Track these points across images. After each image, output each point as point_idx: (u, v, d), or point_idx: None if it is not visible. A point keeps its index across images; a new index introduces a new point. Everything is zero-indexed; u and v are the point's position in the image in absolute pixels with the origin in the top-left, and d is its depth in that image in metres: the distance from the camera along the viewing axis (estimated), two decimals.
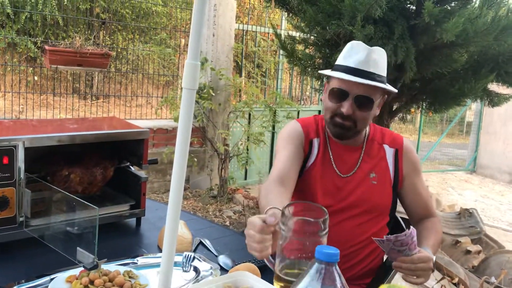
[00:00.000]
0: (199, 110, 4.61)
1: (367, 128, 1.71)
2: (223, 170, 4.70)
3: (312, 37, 3.74)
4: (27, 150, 1.36)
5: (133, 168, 1.66)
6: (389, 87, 1.58)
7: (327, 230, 1.18)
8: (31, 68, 7.10)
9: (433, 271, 1.51)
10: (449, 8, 3.25)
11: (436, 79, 3.53)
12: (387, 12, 3.07)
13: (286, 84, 6.71)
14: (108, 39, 8.07)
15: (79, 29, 7.94)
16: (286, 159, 1.63)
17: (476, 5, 3.24)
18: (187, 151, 1.08)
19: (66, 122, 1.70)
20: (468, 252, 3.28)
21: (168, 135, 4.91)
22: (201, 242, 1.57)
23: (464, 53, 3.33)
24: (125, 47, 7.44)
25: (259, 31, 5.83)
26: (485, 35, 3.03)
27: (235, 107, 4.95)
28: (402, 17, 3.14)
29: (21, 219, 1.39)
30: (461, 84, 3.39)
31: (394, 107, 3.79)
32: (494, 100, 3.75)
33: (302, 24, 3.64)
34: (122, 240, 1.57)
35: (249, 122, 5.26)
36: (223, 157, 4.66)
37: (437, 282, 2.59)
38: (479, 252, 3.33)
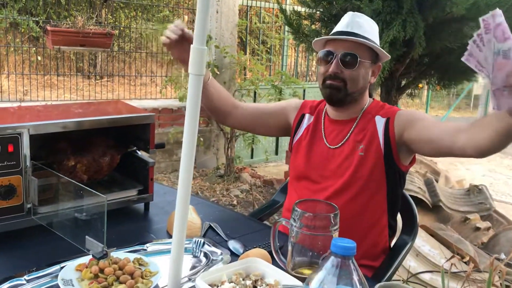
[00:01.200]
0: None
1: (366, 103, 1.71)
2: (229, 149, 4.68)
3: (318, 12, 3.66)
4: (32, 137, 1.34)
5: (140, 153, 1.64)
6: (369, 43, 1.60)
7: (338, 225, 1.17)
8: (34, 48, 7.04)
9: None
10: None
11: (446, 54, 3.45)
12: None
13: (291, 59, 6.62)
14: (111, 17, 7.98)
15: (81, 7, 7.84)
16: (256, 106, 1.99)
17: None
18: (195, 138, 1.05)
19: (71, 107, 1.67)
20: (478, 229, 3.27)
21: (173, 115, 4.88)
22: (210, 227, 1.55)
23: (475, 27, 3.24)
24: (128, 25, 7.35)
25: (264, 6, 5.73)
26: (496, 8, 2.94)
27: (240, 86, 4.90)
28: None
29: (28, 206, 1.38)
30: None
31: (403, 83, 3.73)
32: None
33: (308, 0, 3.56)
34: (131, 225, 1.56)
35: (254, 101, 5.21)
36: (229, 136, 4.64)
37: (447, 261, 2.58)
38: (488, 229, 3.31)
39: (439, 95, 11.15)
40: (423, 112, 1.72)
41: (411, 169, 3.68)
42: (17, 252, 1.33)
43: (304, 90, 5.56)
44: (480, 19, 1.04)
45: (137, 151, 1.65)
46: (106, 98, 5.59)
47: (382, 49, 1.64)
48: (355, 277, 0.77)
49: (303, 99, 4.86)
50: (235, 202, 4.23)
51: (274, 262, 1.25)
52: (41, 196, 1.40)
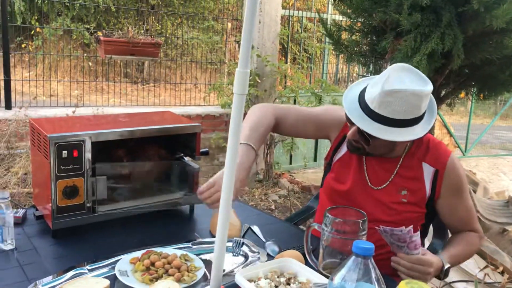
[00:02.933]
0: (245, 97, 4.71)
1: (410, 142, 1.62)
2: (268, 155, 4.81)
3: (358, 24, 3.74)
4: (93, 144, 1.51)
5: (186, 159, 1.79)
6: (385, 138, 1.47)
7: (366, 231, 1.28)
8: (86, 55, 7.43)
9: (441, 277, 1.50)
10: None
11: (486, 65, 3.46)
12: None
13: (332, 65, 6.70)
14: (157, 24, 8.29)
15: (129, 15, 8.20)
16: (298, 119, 1.77)
17: None
18: (237, 151, 1.18)
19: (125, 117, 1.84)
20: None
21: (215, 121, 5.06)
22: (249, 228, 1.68)
23: None
24: (174, 33, 7.63)
25: (305, 16, 5.84)
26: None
27: (280, 93, 5.03)
28: (450, 4, 3.10)
29: (88, 204, 1.55)
30: None
31: (442, 93, 3.76)
32: None
33: (349, 11, 3.65)
34: (178, 225, 1.71)
35: None
36: (268, 142, 4.77)
37: (480, 270, 2.61)
38: None
39: (485, 102, 10.88)
40: (465, 176, 1.67)
41: None
42: (78, 245, 1.51)
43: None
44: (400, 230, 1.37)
45: (184, 157, 1.81)
46: (151, 103, 5.85)
47: (409, 134, 1.48)
48: (374, 275, 0.88)
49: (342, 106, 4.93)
50: (273, 207, 4.35)
51: (307, 263, 1.36)
52: (100, 195, 1.57)
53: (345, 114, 1.53)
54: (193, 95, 6.15)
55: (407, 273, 1.39)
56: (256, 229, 1.68)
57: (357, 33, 3.75)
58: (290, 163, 5.74)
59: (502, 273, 2.73)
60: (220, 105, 4.58)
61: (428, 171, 1.61)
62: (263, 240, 1.59)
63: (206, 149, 1.83)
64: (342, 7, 3.84)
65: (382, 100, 1.44)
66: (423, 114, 1.50)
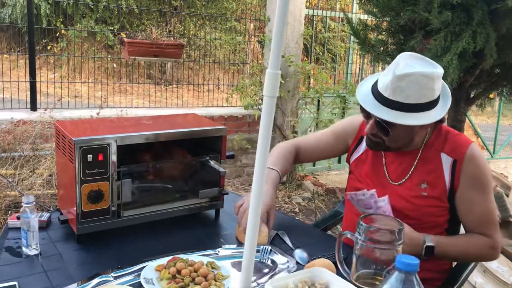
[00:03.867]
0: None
1: (428, 132, 1.61)
2: None
3: (385, 23, 3.66)
4: (118, 147, 1.48)
5: (212, 162, 1.75)
6: (401, 122, 1.45)
7: (402, 240, 1.21)
8: (110, 56, 7.48)
9: (421, 254, 1.45)
10: None
11: None
12: None
13: (356, 65, 6.60)
14: (180, 25, 8.31)
15: (152, 16, 8.24)
16: (317, 138, 1.90)
17: None
18: (267, 154, 1.13)
19: (150, 120, 1.81)
20: None
21: (238, 122, 5.02)
22: (277, 235, 1.63)
23: None
24: (196, 34, 7.63)
25: (328, 15, 5.76)
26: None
27: (304, 94, 4.96)
28: (482, 1, 2.99)
29: (113, 209, 1.52)
30: None
31: (472, 94, 3.64)
32: None
33: (375, 10, 3.56)
34: (203, 230, 1.67)
35: (317, 109, 5.25)
36: None
37: None
38: None
39: (508, 100, 10.58)
40: (486, 170, 1.58)
41: None
42: (103, 250, 1.48)
43: None
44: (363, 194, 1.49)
45: (210, 160, 1.76)
46: (174, 104, 5.84)
47: (426, 118, 1.47)
48: None
49: None
50: (297, 210, 4.29)
51: (338, 272, 1.31)
52: (125, 199, 1.54)
53: (360, 108, 1.54)
54: (215, 96, 6.14)
55: None
56: (284, 235, 1.63)
57: (384, 32, 3.66)
58: (314, 165, 5.67)
59: None
60: (243, 106, 4.54)
61: (446, 161, 1.56)
62: (292, 247, 1.54)
63: (232, 153, 1.79)
64: (368, 6, 3.76)
65: (395, 86, 1.44)
66: (438, 98, 1.49)
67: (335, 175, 5.72)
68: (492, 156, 7.50)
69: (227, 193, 1.73)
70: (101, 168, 1.47)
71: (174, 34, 6.89)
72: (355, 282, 1.26)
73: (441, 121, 1.59)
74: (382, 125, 1.50)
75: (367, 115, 1.53)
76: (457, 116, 3.61)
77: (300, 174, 5.09)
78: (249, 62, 6.50)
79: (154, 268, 1.32)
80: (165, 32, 5.54)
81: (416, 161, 1.60)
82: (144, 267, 1.33)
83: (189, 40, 7.29)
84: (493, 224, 1.58)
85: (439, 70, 1.46)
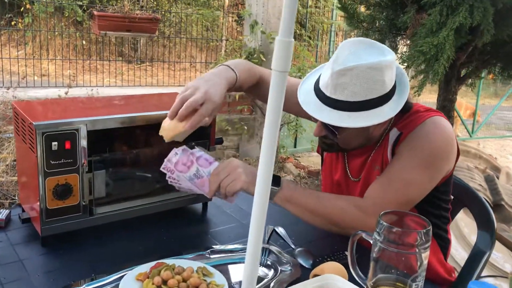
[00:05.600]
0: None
1: (386, 127, 1.40)
2: None
3: None
4: (88, 133, 1.25)
5: (198, 149, 1.53)
6: (345, 124, 1.26)
7: (429, 243, 1.03)
8: (78, 33, 7.08)
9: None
10: None
11: None
12: None
13: (338, 43, 6.41)
14: (152, 0, 7.94)
15: None
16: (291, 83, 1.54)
17: None
18: (275, 144, 0.93)
19: (124, 100, 1.58)
20: None
21: None
22: (274, 231, 1.44)
23: None
24: (170, 9, 7.28)
25: None
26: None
27: None
28: None
29: (84, 205, 1.29)
30: None
31: (463, 72, 3.50)
32: None
33: None
34: (189, 228, 1.46)
35: None
36: None
37: None
38: None
39: (485, 81, 10.58)
40: (426, 148, 1.31)
41: (471, 165, 3.47)
42: (73, 255, 1.26)
43: None
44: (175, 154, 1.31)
45: (195, 147, 1.54)
46: (148, 83, 5.56)
47: (377, 116, 1.26)
48: None
49: None
50: None
51: (350, 277, 1.13)
52: (98, 194, 1.32)
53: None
54: (188, 75, 5.87)
55: (216, 187, 1.26)
56: (282, 231, 1.44)
57: (374, 7, 3.46)
58: (295, 147, 5.50)
59: None
60: None
61: (392, 135, 1.38)
62: (292, 246, 1.35)
63: (221, 137, 1.57)
64: None
65: (336, 83, 1.23)
66: (392, 89, 1.27)
67: (316, 156, 5.57)
68: (470, 136, 7.50)
69: None
70: (69, 158, 1.23)
71: (147, 9, 6.54)
72: None
73: (406, 109, 1.33)
74: (329, 128, 1.31)
75: (312, 117, 1.33)
76: (447, 96, 3.47)
77: (282, 156, 4.91)
78: (224, 37, 6.23)
79: (135, 278, 1.11)
80: (137, 7, 5.21)
81: (374, 150, 1.42)
82: (123, 275, 1.12)
83: (163, 16, 6.95)
84: (387, 193, 1.30)
85: (388, 57, 1.24)
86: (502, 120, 9.74)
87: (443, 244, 1.54)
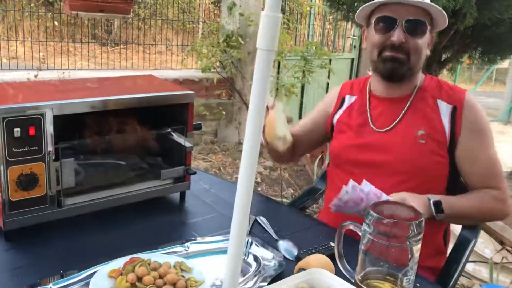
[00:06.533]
0: (227, 60, 4.34)
1: (420, 77, 1.50)
2: None
3: None
4: (56, 118, 1.15)
5: (175, 135, 1.44)
6: (437, 7, 1.39)
7: (420, 236, 0.97)
8: (50, 14, 6.83)
9: (433, 213, 1.33)
10: None
11: (494, 25, 3.17)
12: None
13: (317, 28, 6.32)
14: None
15: None
16: (302, 123, 1.71)
17: None
18: (261, 127, 0.85)
19: (98, 82, 1.47)
20: None
21: (195, 86, 4.66)
22: (256, 221, 1.37)
23: None
24: None
25: None
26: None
27: None
28: None
29: (51, 195, 1.20)
30: None
31: (444, 56, 3.47)
32: None
33: None
34: (166, 219, 1.37)
35: (278, 72, 4.96)
36: None
37: (497, 253, 2.39)
38: None
39: (461, 68, 10.68)
40: (486, 119, 1.48)
41: None
42: (40, 250, 1.16)
43: (330, 61, 5.29)
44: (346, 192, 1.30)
45: (172, 133, 1.46)
46: (123, 66, 5.39)
47: (445, 14, 1.40)
48: None
49: (329, 70, 4.57)
50: (259, 180, 4.05)
51: (337, 270, 1.07)
52: (66, 184, 1.22)
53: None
54: (164, 58, 5.72)
55: None
56: (264, 221, 1.37)
57: None
58: None
59: None
60: (200, 69, 4.18)
61: (445, 109, 1.44)
62: (276, 237, 1.28)
63: (199, 123, 1.49)
64: None
65: None
66: None
67: None
68: None
69: (195, 173, 1.43)
70: (33, 145, 1.13)
71: None
72: (360, 284, 1.03)
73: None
74: (417, 25, 1.39)
75: (389, 24, 1.39)
76: None
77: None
78: (201, 19, 6.09)
79: (107, 274, 1.02)
80: None
81: (408, 105, 1.46)
82: (94, 272, 1.03)
83: None
84: (498, 174, 1.44)
85: None
86: None
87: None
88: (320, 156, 3.68)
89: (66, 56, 5.50)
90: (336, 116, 1.60)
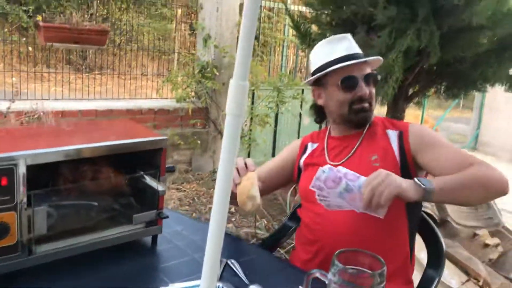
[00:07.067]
0: (202, 91, 4.40)
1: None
2: None
3: (323, 15, 3.50)
4: (28, 167, 1.17)
5: (148, 178, 1.47)
6: (380, 59, 1.65)
7: (383, 284, 1.02)
8: (24, 39, 6.79)
9: (423, 194, 1.34)
10: None
11: (457, 62, 3.32)
12: None
13: (290, 58, 6.46)
14: (103, 8, 7.74)
15: None
16: (268, 166, 1.81)
17: None
18: (229, 189, 0.89)
19: (72, 127, 1.49)
20: (486, 245, 3.16)
21: (169, 116, 4.69)
22: (227, 264, 1.40)
23: (490, 36, 3.11)
24: (121, 19, 7.13)
25: (265, 5, 5.54)
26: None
27: None
28: None
29: (22, 245, 1.20)
30: (484, 69, 3.19)
31: (410, 91, 3.60)
32: None
33: (316, 2, 3.39)
34: (137, 263, 1.39)
35: (252, 102, 5.04)
36: None
37: (463, 284, 2.46)
38: (497, 245, 3.21)
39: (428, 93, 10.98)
40: (433, 132, 1.68)
41: None
42: None
43: (303, 91, 5.40)
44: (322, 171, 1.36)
45: (145, 176, 1.48)
46: (97, 92, 5.38)
47: (381, 59, 1.66)
48: None
49: (301, 100, 4.67)
50: (232, 210, 4.07)
51: None
52: (38, 232, 1.23)
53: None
54: (141, 84, 5.75)
55: (371, 196, 1.30)
56: (235, 264, 1.40)
57: (324, 26, 3.50)
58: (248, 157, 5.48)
59: (482, 286, 2.60)
60: (175, 99, 4.23)
61: (392, 135, 1.60)
62: (246, 282, 1.31)
63: (172, 166, 1.52)
64: None
65: (345, 46, 1.60)
66: None
67: None
68: None
69: (167, 217, 1.45)
70: (5, 194, 1.15)
71: (97, 17, 6.36)
72: None
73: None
74: (372, 77, 1.60)
75: (353, 82, 1.57)
76: (396, 114, 3.54)
77: None
78: (177, 49, 6.14)
79: None
80: (86, 16, 5.05)
81: (361, 139, 1.62)
82: None
83: (113, 24, 6.79)
84: (470, 156, 1.52)
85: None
86: (445, 131, 10.12)
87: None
88: (293, 186, 3.73)
89: (40, 82, 5.45)
90: (302, 160, 1.74)
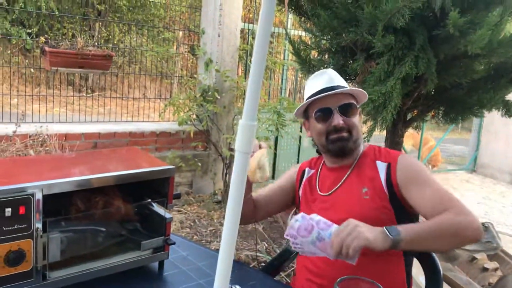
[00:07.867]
0: (204, 114, 4.47)
1: (364, 146, 1.73)
2: (227, 175, 4.57)
3: (324, 42, 3.59)
4: (44, 197, 1.22)
5: (155, 206, 1.53)
6: (358, 90, 1.71)
7: None
8: (26, 61, 6.90)
9: (391, 237, 1.34)
10: (473, 18, 3.11)
11: (453, 88, 3.40)
12: (408, 21, 2.93)
13: (290, 80, 6.57)
14: (104, 30, 7.87)
15: (74, 20, 7.71)
16: (269, 187, 1.88)
17: (496, 12, 3.11)
18: (237, 223, 0.95)
19: (82, 158, 1.55)
20: (485, 269, 3.19)
21: (171, 139, 4.76)
22: None
23: (486, 64, 3.20)
24: (123, 41, 7.24)
25: None
26: (510, 46, 2.90)
27: (240, 110, 4.81)
28: (423, 26, 3.00)
29: (37, 271, 1.25)
30: (480, 95, 3.27)
31: (409, 116, 3.67)
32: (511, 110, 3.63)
33: (315, 29, 3.49)
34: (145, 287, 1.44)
35: None
36: (227, 161, 4.53)
37: None
38: (496, 269, 3.24)
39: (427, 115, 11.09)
40: (420, 166, 1.64)
41: None
42: None
43: None
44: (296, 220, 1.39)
45: (153, 203, 1.54)
46: (100, 113, 5.46)
47: (365, 92, 1.70)
48: None
49: (301, 123, 4.74)
50: None
51: None
52: (52, 258, 1.28)
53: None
54: (142, 105, 5.83)
55: (340, 247, 1.32)
56: None
57: (324, 52, 3.60)
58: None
59: None
60: (177, 122, 4.30)
61: (381, 166, 1.63)
62: None
63: (179, 193, 1.58)
64: (308, 24, 3.69)
65: (326, 79, 1.68)
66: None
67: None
68: None
69: (174, 243, 1.51)
70: (22, 223, 1.20)
71: (99, 39, 6.47)
72: None
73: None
74: (348, 107, 1.65)
75: (327, 113, 1.64)
76: (395, 139, 3.62)
77: None
78: (178, 71, 6.24)
79: None
80: (88, 37, 5.15)
81: (350, 171, 1.67)
82: None
83: (114, 47, 6.90)
84: (452, 199, 1.50)
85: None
86: (444, 153, 10.18)
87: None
88: (294, 210, 3.78)
89: (43, 103, 5.53)
90: (300, 190, 1.81)
